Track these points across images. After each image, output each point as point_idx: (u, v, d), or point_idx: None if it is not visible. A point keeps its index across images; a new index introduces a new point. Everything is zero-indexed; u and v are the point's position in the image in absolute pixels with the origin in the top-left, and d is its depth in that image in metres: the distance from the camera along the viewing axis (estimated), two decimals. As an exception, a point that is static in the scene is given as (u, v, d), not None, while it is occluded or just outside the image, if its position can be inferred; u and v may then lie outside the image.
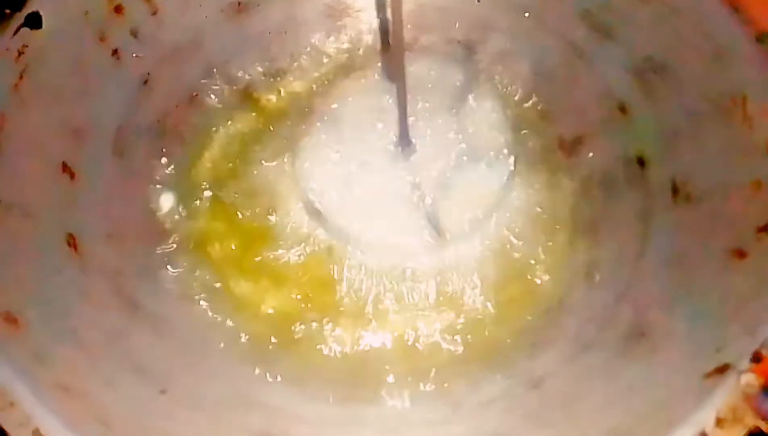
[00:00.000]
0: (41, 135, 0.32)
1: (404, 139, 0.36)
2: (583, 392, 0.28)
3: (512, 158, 0.36)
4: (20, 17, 0.32)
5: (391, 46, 0.30)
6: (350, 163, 0.36)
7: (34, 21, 0.32)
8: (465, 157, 0.36)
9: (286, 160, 0.38)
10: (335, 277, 0.34)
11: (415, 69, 0.38)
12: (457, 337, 0.33)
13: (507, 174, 0.36)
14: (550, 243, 0.35)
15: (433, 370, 0.32)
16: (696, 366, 0.24)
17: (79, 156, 0.33)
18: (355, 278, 0.34)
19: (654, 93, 0.35)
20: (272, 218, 0.36)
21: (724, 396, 0.22)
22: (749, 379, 0.22)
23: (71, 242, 0.30)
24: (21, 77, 0.32)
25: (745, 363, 0.22)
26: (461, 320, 0.33)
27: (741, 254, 0.27)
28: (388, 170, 0.36)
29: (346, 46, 0.43)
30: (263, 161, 0.38)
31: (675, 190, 0.32)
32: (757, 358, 0.22)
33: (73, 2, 0.34)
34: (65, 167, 0.32)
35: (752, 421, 0.21)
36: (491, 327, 0.33)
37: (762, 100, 0.29)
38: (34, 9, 0.32)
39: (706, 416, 0.22)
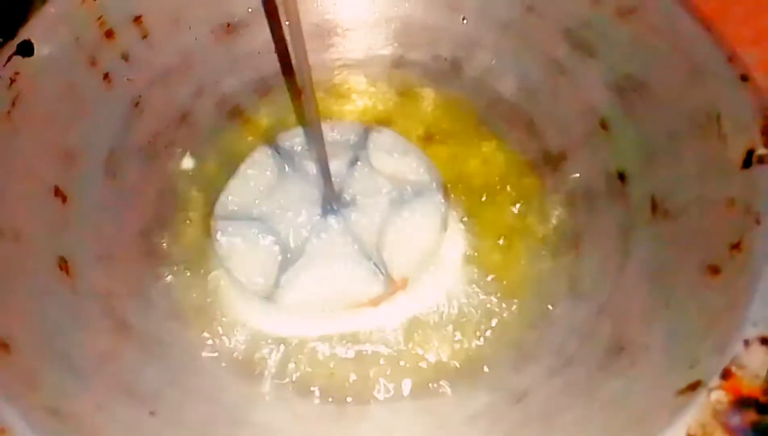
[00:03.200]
0: (33, 160, 0.33)
1: (330, 196, 0.34)
2: (564, 407, 0.28)
3: (440, 193, 0.36)
4: (12, 45, 0.33)
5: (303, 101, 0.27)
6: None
7: (25, 49, 0.33)
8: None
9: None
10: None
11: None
12: (443, 352, 0.33)
13: (441, 208, 0.35)
14: (536, 256, 0.36)
15: (419, 385, 0.32)
16: (670, 382, 0.25)
17: (71, 179, 0.34)
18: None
19: (633, 110, 0.35)
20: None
21: (694, 413, 0.22)
22: (719, 396, 0.22)
23: (63, 265, 0.31)
24: (13, 104, 0.32)
25: (715, 380, 0.23)
26: (447, 335, 0.34)
27: (715, 270, 0.27)
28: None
29: (334, 64, 0.44)
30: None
31: (654, 206, 0.33)
32: (726, 375, 0.23)
33: (64, 29, 0.35)
34: (57, 191, 0.33)
35: (721, 437, 0.22)
36: (477, 340, 0.34)
37: (735, 118, 0.30)
38: (26, 37, 0.33)
39: (678, 432, 0.22)
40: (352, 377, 0.32)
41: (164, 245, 0.36)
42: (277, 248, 0.34)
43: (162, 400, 0.28)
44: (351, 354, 0.33)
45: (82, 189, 0.34)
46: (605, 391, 0.28)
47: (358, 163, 0.37)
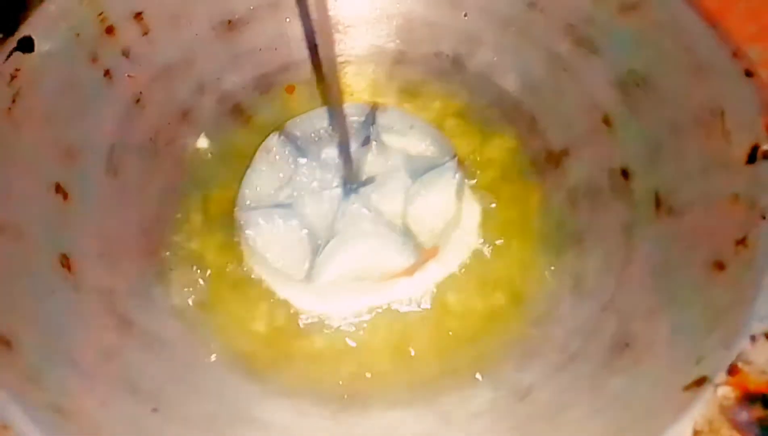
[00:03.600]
0: (34, 156, 0.33)
1: (350, 175, 0.35)
2: (568, 404, 0.28)
3: (456, 164, 0.36)
4: (13, 41, 0.33)
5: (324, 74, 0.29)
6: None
7: (26, 45, 0.33)
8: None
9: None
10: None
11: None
12: (448, 347, 0.33)
13: (458, 179, 0.36)
14: (540, 253, 0.36)
15: (423, 382, 0.32)
16: (676, 378, 0.24)
17: (72, 176, 0.34)
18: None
19: (637, 106, 0.35)
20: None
21: (701, 409, 0.22)
22: (725, 391, 0.22)
23: (65, 262, 0.31)
24: (14, 100, 0.32)
25: (722, 376, 0.23)
26: (450, 333, 0.34)
27: (720, 266, 0.27)
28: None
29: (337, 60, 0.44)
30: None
31: (658, 203, 0.32)
32: (733, 371, 0.23)
33: (65, 25, 0.35)
34: (58, 188, 0.33)
35: (728, 433, 0.21)
36: (481, 338, 0.34)
37: (739, 114, 0.30)
38: (26, 33, 0.33)
39: (684, 429, 0.22)
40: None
41: (166, 241, 0.36)
42: (305, 231, 0.34)
43: (165, 396, 0.28)
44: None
45: (83, 186, 0.34)
46: (610, 388, 0.28)
47: (371, 141, 0.37)
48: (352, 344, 0.33)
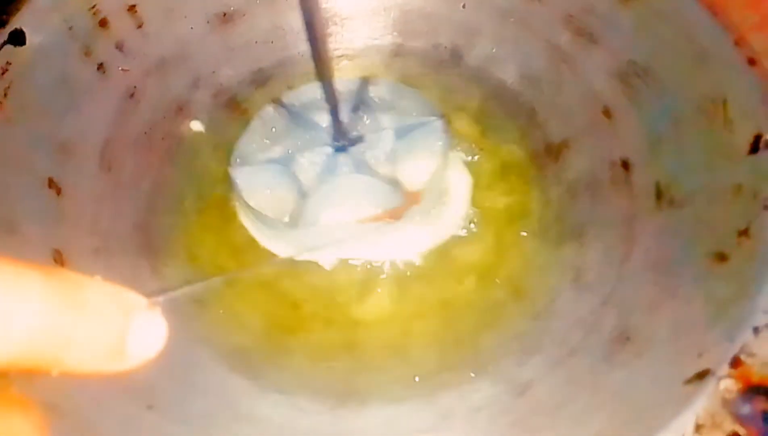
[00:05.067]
0: (27, 151, 0.32)
1: (340, 135, 0.36)
2: (569, 398, 0.28)
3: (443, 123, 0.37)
4: (3, 34, 0.32)
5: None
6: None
7: (17, 38, 0.33)
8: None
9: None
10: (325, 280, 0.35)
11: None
12: (447, 342, 0.33)
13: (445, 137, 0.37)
14: (539, 246, 0.35)
15: (422, 377, 0.32)
16: (678, 372, 0.24)
17: (65, 171, 0.33)
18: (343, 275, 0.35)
19: (637, 96, 0.35)
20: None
21: (703, 402, 0.22)
22: (728, 384, 0.22)
23: (58, 258, 0.31)
24: (5, 94, 0.32)
25: (724, 369, 0.22)
26: (450, 327, 0.33)
27: (722, 257, 0.27)
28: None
29: (333, 54, 0.43)
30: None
31: (659, 194, 0.32)
32: (735, 363, 0.22)
33: (57, 18, 0.35)
34: (51, 183, 0.33)
35: (731, 426, 0.21)
36: (480, 332, 0.33)
37: (742, 103, 0.29)
38: (17, 26, 0.33)
39: (686, 422, 0.22)
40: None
41: (160, 236, 0.35)
42: (295, 182, 0.35)
43: (160, 393, 0.28)
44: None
45: (76, 181, 0.34)
46: (611, 382, 0.27)
47: (361, 106, 0.38)
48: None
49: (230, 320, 0.33)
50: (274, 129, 0.38)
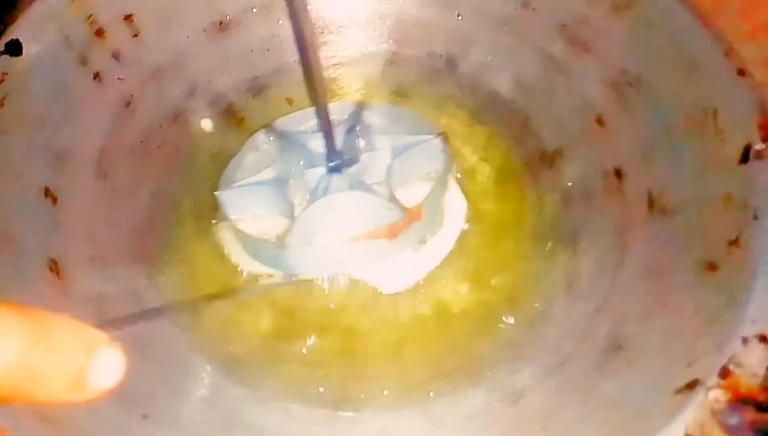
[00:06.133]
0: (23, 160, 0.32)
1: (333, 156, 0.35)
2: (561, 406, 0.28)
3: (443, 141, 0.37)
4: (0, 45, 0.32)
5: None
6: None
7: (14, 48, 0.33)
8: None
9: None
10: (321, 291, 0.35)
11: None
12: (441, 350, 0.33)
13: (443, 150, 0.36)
14: (533, 254, 0.36)
15: (416, 385, 0.32)
16: (668, 381, 0.24)
17: (61, 180, 0.34)
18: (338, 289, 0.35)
19: (630, 106, 0.35)
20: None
21: (692, 412, 0.22)
22: (717, 394, 0.22)
23: (53, 267, 0.31)
24: (2, 104, 0.32)
25: (713, 379, 0.22)
26: (444, 335, 0.34)
27: (713, 267, 0.27)
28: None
29: (329, 62, 0.44)
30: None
31: (651, 203, 0.32)
32: (724, 373, 0.22)
33: (54, 28, 0.35)
34: (47, 192, 0.33)
35: (719, 437, 0.21)
36: (474, 340, 0.33)
37: (732, 114, 0.29)
38: (13, 37, 0.33)
39: (676, 432, 0.22)
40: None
41: (156, 245, 0.36)
42: (286, 202, 0.35)
43: (155, 402, 0.28)
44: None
45: (72, 190, 0.34)
46: (602, 390, 0.28)
47: (357, 129, 0.38)
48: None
49: (225, 329, 0.33)
50: (265, 152, 0.38)
